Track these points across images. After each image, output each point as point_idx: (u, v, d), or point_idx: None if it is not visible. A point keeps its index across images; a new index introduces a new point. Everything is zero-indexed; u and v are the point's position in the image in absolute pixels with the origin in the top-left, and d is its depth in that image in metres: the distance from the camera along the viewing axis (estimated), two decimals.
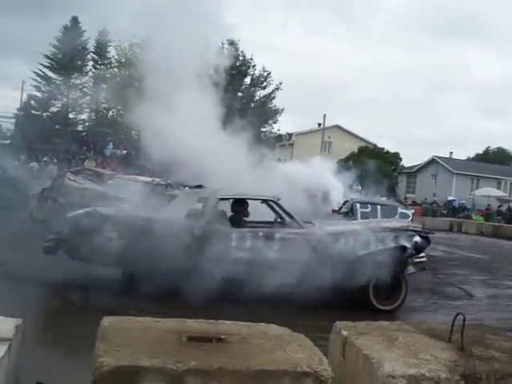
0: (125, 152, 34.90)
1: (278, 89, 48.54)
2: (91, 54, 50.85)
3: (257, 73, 48.64)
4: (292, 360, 2.89)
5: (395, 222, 11.39)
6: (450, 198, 45.85)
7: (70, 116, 50.74)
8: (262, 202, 10.14)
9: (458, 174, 56.16)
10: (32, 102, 49.94)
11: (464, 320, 3.51)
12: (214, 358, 2.77)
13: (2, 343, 2.71)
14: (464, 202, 45.10)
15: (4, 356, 2.59)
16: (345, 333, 3.62)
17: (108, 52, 49.60)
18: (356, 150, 50.04)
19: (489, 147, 75.16)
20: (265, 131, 45.97)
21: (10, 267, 10.82)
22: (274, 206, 9.88)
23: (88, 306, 8.57)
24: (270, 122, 48.00)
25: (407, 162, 58.73)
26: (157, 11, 21.81)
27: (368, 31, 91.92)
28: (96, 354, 2.67)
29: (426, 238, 10.08)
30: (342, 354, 3.57)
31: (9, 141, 33.12)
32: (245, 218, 10.14)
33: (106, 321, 3.20)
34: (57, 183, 15.92)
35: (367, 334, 3.59)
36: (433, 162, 59.95)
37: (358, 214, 17.60)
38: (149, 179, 17.73)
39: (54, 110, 50.19)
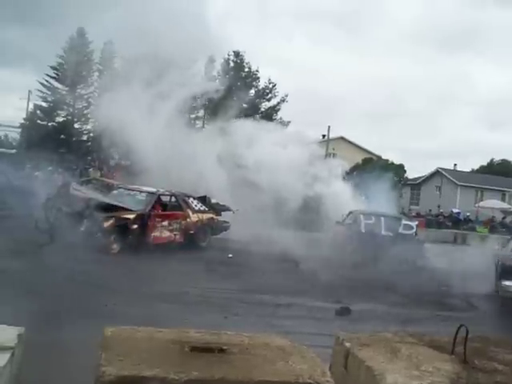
0: (129, 162, 34.98)
1: (283, 101, 48.68)
2: (97, 64, 51.02)
3: (262, 84, 48.80)
4: (294, 371, 2.89)
5: None
6: (454, 211, 45.74)
7: (76, 126, 50.88)
8: None
9: (462, 185, 56.05)
10: (38, 112, 50.17)
11: (467, 332, 3.50)
12: (216, 369, 2.76)
13: (4, 352, 2.72)
14: (468, 213, 45.00)
15: (6, 364, 2.59)
16: (347, 344, 3.61)
17: (114, 62, 49.79)
18: (360, 162, 50.02)
19: (493, 159, 74.99)
20: None
21: (14, 275, 10.86)
22: None
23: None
24: None
25: (411, 173, 58.73)
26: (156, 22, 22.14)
27: (373, 44, 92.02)
28: (98, 363, 2.67)
29: None
30: (345, 366, 3.56)
31: (15, 150, 33.29)
32: None
33: (109, 330, 3.20)
34: (61, 193, 15.96)
35: (370, 345, 3.58)
36: (437, 173, 59.87)
37: (362, 225, 17.65)
38: (153, 189, 17.78)
39: (60, 119, 50.36)
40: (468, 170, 69.07)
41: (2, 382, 2.46)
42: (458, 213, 44.54)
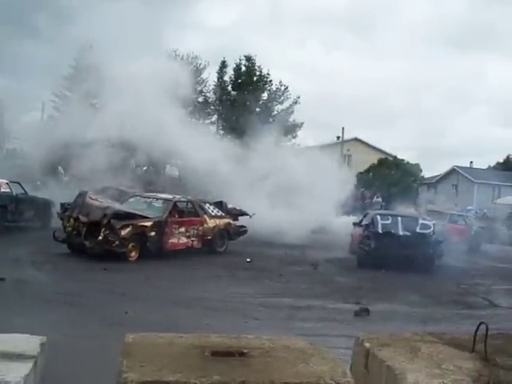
0: (145, 168, 35.10)
1: (296, 103, 48.63)
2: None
3: (274, 87, 48.79)
4: (315, 373, 2.89)
5: None
6: (468, 208, 45.47)
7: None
8: None
9: (479, 183, 55.69)
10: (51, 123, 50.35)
11: (487, 329, 3.49)
12: (238, 372, 2.78)
13: (27, 361, 2.75)
14: (486, 210, 44.64)
15: (29, 373, 2.62)
16: (367, 344, 3.61)
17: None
18: (376, 162, 49.80)
19: (509, 155, 74.33)
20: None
21: (34, 285, 10.95)
22: None
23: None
24: (289, 136, 48.04)
25: (427, 172, 58.38)
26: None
27: (386, 44, 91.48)
28: (120, 369, 2.69)
29: None
30: (365, 366, 3.56)
31: (30, 162, 33.50)
32: None
33: (130, 337, 3.22)
34: (78, 202, 16.04)
35: (390, 345, 3.58)
36: (453, 172, 59.55)
37: (379, 226, 17.58)
38: (170, 196, 17.84)
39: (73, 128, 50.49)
40: (484, 167, 68.63)
41: None
42: (470, 210, 44.15)
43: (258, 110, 44.84)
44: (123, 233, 15.14)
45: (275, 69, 78.83)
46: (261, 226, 20.14)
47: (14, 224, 19.65)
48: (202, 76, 48.11)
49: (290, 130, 47.64)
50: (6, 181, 19.75)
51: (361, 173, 48.15)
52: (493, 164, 72.48)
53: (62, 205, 18.82)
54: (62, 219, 16.50)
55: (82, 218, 15.39)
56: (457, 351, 3.53)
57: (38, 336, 3.14)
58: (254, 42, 79.49)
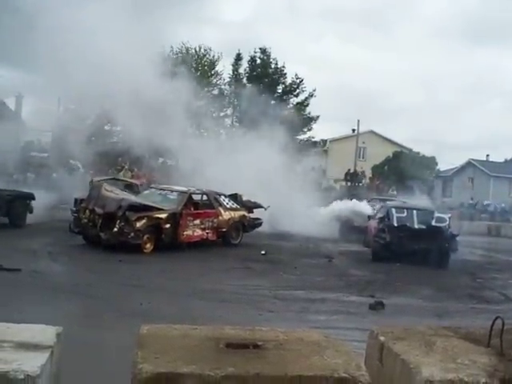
0: (161, 161, 35.17)
1: (311, 96, 48.43)
2: None
3: (289, 80, 48.62)
4: (329, 366, 2.89)
5: None
6: (486, 202, 45.18)
7: (106, 128, 51.16)
8: None
9: (495, 176, 55.27)
10: (68, 115, 50.52)
11: (503, 324, 3.47)
12: (252, 365, 2.78)
13: (44, 351, 2.77)
14: (504, 205, 44.30)
15: (46, 363, 2.64)
16: (382, 338, 3.60)
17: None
18: (391, 155, 49.57)
19: None
20: (300, 139, 45.86)
21: (51, 276, 11.03)
22: None
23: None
24: (305, 129, 47.90)
25: (443, 165, 58.07)
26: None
27: (402, 38, 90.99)
28: (135, 361, 2.70)
29: None
30: (380, 360, 3.55)
31: (47, 154, 33.71)
32: None
33: (145, 328, 3.23)
34: (93, 194, 16.10)
35: (404, 339, 3.57)
36: (469, 165, 59.09)
37: (395, 219, 17.51)
38: (185, 189, 17.85)
39: (90, 122, 50.65)
40: (501, 160, 68.07)
41: (42, 381, 2.51)
42: (489, 205, 43.86)
43: (273, 102, 44.75)
44: (138, 225, 15.19)
45: (290, 62, 78.95)
46: None
47: None
48: (216, 69, 48.09)
49: (306, 123, 47.50)
50: None
51: (376, 165, 48.02)
52: (509, 157, 71.96)
53: (76, 200, 18.75)
54: (77, 211, 16.54)
55: (98, 210, 15.46)
56: (472, 346, 3.51)
57: (54, 326, 3.16)
58: (269, 36, 79.50)
